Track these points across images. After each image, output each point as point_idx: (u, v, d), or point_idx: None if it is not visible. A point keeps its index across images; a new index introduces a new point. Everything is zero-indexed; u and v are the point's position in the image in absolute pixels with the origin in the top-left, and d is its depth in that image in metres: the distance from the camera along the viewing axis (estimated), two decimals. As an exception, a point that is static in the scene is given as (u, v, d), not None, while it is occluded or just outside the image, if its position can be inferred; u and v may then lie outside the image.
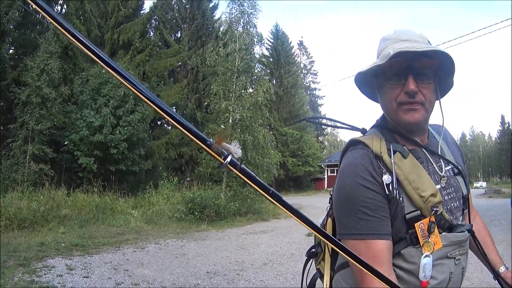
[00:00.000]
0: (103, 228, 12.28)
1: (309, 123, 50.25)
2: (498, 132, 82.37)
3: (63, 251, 8.91)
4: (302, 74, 58.08)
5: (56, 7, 23.94)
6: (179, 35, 33.81)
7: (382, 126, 1.60)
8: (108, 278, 7.12)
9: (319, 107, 62.41)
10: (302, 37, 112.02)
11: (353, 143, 1.53)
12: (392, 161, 1.44)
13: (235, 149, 0.89)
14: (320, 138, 63.59)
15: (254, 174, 0.91)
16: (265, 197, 0.91)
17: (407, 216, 1.40)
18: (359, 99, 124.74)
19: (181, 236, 12.10)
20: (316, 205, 23.67)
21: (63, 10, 23.84)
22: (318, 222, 1.84)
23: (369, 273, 1.00)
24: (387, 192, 1.40)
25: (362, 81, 1.61)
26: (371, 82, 1.59)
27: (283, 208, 0.92)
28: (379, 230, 1.37)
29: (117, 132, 17.29)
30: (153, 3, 27.15)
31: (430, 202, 1.40)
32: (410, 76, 1.41)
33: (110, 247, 9.85)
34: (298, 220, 0.95)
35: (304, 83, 58.07)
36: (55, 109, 16.54)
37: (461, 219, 1.57)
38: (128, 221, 13.44)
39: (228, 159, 0.86)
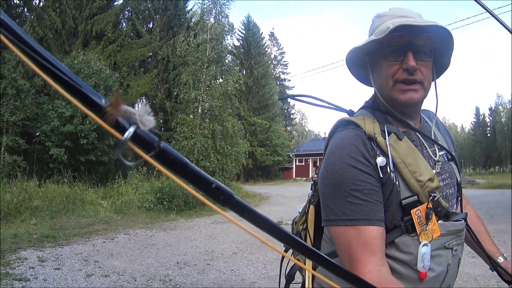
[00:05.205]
0: (74, 219, 12.11)
1: (278, 113, 50.19)
2: (472, 123, 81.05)
3: (35, 242, 8.82)
4: (272, 65, 57.53)
5: (34, 0, 23.64)
6: (151, 25, 33.67)
7: (372, 107, 1.50)
8: (78, 269, 7.12)
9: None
10: (273, 28, 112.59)
11: (343, 123, 1.44)
12: (387, 142, 1.35)
13: (144, 115, 0.48)
14: (289, 128, 63.54)
15: (184, 158, 0.52)
16: (199, 197, 0.56)
17: (403, 202, 1.31)
18: (328, 91, 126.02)
19: (150, 226, 12.09)
20: (284, 194, 24.28)
21: (41, 3, 23.55)
22: (297, 210, 1.81)
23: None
24: (381, 175, 1.31)
25: (354, 60, 1.54)
26: (363, 61, 1.52)
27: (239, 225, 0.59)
28: (371, 215, 1.27)
29: (87, 122, 16.90)
30: (127, -7, 27.00)
31: (428, 187, 1.32)
32: (409, 52, 1.34)
33: (80, 238, 9.77)
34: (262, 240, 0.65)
35: (274, 74, 57.42)
36: (28, 100, 16.34)
37: (455, 207, 1.51)
38: (98, 212, 13.26)
39: (130, 131, 0.47)
